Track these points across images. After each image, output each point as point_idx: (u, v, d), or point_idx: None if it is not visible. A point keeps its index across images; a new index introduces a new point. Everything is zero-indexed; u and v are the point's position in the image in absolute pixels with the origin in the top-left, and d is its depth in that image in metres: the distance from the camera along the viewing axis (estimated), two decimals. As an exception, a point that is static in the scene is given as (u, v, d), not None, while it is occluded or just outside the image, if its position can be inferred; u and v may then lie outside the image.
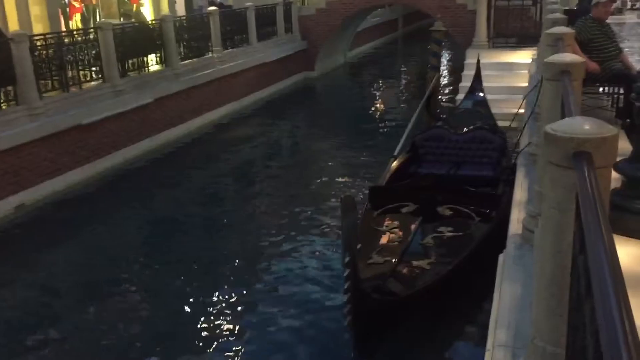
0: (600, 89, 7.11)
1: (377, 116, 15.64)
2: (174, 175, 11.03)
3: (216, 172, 11.45)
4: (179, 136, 12.75)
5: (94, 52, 10.73)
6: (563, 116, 3.40)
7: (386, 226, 6.44)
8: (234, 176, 11.40)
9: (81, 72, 10.55)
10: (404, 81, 20.53)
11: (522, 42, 13.93)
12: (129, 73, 11.70)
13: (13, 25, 15.29)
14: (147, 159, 11.47)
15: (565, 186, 2.33)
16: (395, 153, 8.46)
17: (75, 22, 17.28)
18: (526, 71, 12.09)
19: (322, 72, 20.03)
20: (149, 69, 12.45)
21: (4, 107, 8.98)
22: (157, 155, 11.77)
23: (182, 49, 13.55)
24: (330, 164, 11.51)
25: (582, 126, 2.27)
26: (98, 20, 16.90)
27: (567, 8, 10.45)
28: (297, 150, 13.31)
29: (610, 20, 7.49)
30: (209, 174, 11.25)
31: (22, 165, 8.90)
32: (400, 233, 6.23)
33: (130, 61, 11.82)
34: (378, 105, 17.11)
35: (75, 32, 11.39)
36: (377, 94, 18.75)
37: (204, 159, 12.01)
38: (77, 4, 17.24)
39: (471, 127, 8.79)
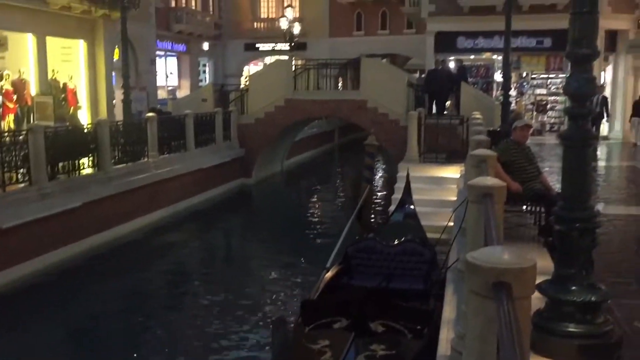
0: (524, 207, 7.42)
1: (312, 225, 15.69)
2: (95, 283, 10.52)
3: (142, 281, 11.01)
4: (107, 241, 12.31)
5: (22, 154, 10.46)
6: (486, 240, 3.48)
7: (318, 343, 6.25)
8: (161, 285, 10.99)
9: (7, 174, 10.20)
10: (339, 191, 20.93)
11: (450, 158, 14.58)
12: (58, 176, 11.43)
13: (-60, 123, 14.85)
14: (69, 266, 10.93)
15: (486, 316, 2.31)
16: (328, 264, 8.41)
17: (8, 122, 16.95)
18: (455, 186, 12.56)
19: (259, 179, 20.20)
20: (79, 172, 12.19)
21: None
22: (81, 261, 11.25)
23: (117, 153, 13.43)
24: (263, 274, 11.31)
25: (502, 256, 2.30)
26: (32, 122, 16.69)
27: (490, 129, 11.13)
28: (229, 259, 13.08)
29: (531, 140, 7.98)
30: (134, 282, 10.81)
31: None
32: (332, 352, 6.04)
33: (60, 164, 11.57)
34: (313, 214, 17.26)
35: (5, 134, 11.11)
36: (313, 202, 18.96)
37: (131, 266, 11.58)
38: (11, 105, 17.00)
39: (402, 240, 8.90)
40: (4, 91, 16.96)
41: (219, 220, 15.63)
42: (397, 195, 12.41)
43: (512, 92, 18.49)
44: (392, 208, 12.04)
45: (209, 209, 16.36)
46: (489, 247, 2.71)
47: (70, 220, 11.31)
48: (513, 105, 18.43)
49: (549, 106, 20.83)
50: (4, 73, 17.36)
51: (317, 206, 18.44)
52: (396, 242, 8.82)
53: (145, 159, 14.49)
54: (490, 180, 4.32)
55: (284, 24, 26.52)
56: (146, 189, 14.05)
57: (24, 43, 18.42)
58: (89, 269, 11.08)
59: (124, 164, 13.59)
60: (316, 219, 16.42)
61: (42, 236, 10.54)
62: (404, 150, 15.68)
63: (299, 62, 21.26)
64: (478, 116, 12.68)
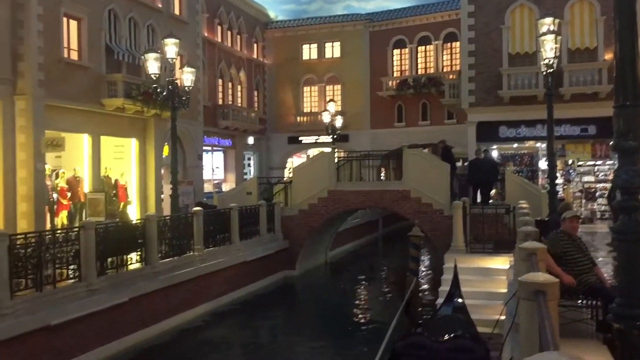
0: (579, 301, 7.08)
1: (357, 318, 15.33)
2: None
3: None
4: (152, 337, 12.27)
5: (73, 250, 10.72)
6: (540, 341, 3.32)
7: None
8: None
9: (58, 271, 10.43)
10: (384, 282, 20.54)
11: (498, 248, 14.22)
12: (107, 271, 11.60)
13: (-2, 221, 15.51)
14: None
15: None
16: (375, 361, 8.14)
17: (61, 219, 17.60)
18: (504, 277, 12.17)
19: (303, 271, 20.07)
20: (127, 268, 12.37)
21: (-30, 307, 8.72)
22: (126, 358, 11.18)
23: (163, 247, 13.63)
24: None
25: (559, 365, 2.19)
26: (84, 218, 17.25)
27: (538, 219, 10.88)
28: (273, 355, 12.75)
29: (582, 229, 7.73)
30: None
31: (-21, 371, 8.39)
32: None
33: (109, 259, 11.78)
34: (358, 307, 16.88)
35: (57, 231, 11.45)
36: (358, 294, 18.61)
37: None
38: (64, 202, 17.69)
39: (452, 335, 8.59)
40: (58, 189, 17.73)
41: (263, 314, 15.44)
42: (445, 288, 12.10)
43: (559, 180, 18.19)
44: (439, 301, 11.72)
45: (253, 303, 16.24)
46: (545, 353, 2.58)
47: (117, 315, 11.37)
48: (561, 194, 18.10)
49: (598, 193, 20.35)
50: (60, 171, 18.22)
51: (362, 299, 18.07)
52: (446, 338, 8.52)
53: (191, 253, 14.65)
54: (541, 276, 4.18)
55: (326, 118, 27.25)
56: (191, 283, 14.12)
57: (80, 143, 19.41)
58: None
59: (170, 258, 13.75)
60: (361, 313, 16.03)
61: (88, 333, 10.59)
62: (449, 241, 15.43)
63: (342, 154, 21.61)
64: (524, 205, 12.50)
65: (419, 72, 32.43)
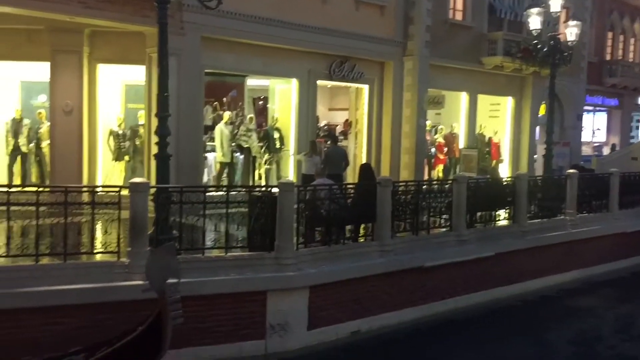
0: None
1: None
2: (496, 333, 10.62)
3: (545, 343, 10.52)
4: (514, 294, 12.32)
5: (446, 202, 11.47)
6: None
7: None
8: (566, 355, 10.33)
9: (431, 219, 11.32)
10: None
11: None
12: (475, 224, 12.07)
13: (385, 169, 17.54)
14: (475, 312, 11.32)
15: None
16: None
17: (438, 172, 18.93)
18: None
19: None
20: (495, 223, 12.63)
21: (360, 240, 10.22)
22: (487, 310, 11.51)
23: (532, 208, 13.45)
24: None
25: None
26: (457, 172, 18.18)
27: None
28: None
29: None
30: (536, 344, 10.40)
31: (364, 295, 9.78)
32: None
33: (478, 214, 12.21)
34: None
35: (433, 182, 12.38)
36: None
37: (536, 324, 11.25)
38: (441, 156, 18.93)
39: None
40: (436, 144, 19.01)
41: (641, 293, 13.95)
42: None
43: None
44: None
45: (630, 279, 14.79)
46: None
47: (483, 268, 11.77)
48: None
49: None
50: (438, 127, 19.47)
51: None
52: None
53: (562, 217, 14.09)
54: None
55: None
56: (560, 247, 13.62)
57: (458, 101, 20.30)
58: (494, 319, 11.27)
59: (539, 220, 13.51)
60: None
61: (455, 279, 11.26)
62: None
63: None
64: None
65: None
